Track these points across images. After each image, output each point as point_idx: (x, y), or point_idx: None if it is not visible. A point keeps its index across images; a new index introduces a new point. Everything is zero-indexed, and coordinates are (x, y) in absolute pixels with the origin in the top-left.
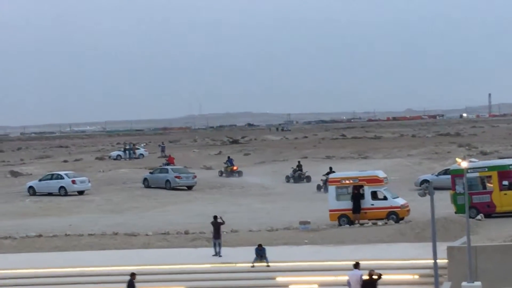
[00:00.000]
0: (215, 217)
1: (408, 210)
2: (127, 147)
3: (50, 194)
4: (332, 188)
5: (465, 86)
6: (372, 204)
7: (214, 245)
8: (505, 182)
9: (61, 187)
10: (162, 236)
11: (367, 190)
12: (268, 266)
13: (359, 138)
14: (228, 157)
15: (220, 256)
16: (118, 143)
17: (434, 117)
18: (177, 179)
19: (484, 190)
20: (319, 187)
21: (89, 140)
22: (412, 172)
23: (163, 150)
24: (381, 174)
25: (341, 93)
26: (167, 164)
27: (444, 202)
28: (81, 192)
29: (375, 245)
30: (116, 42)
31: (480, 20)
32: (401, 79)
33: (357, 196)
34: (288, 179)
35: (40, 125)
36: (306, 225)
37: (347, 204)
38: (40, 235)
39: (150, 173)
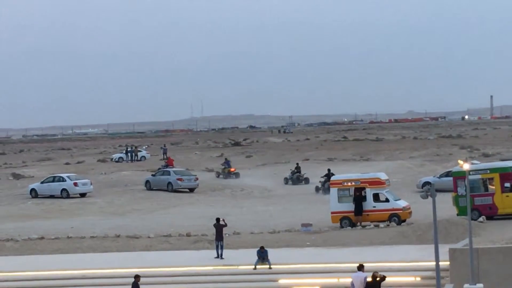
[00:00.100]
0: (218, 220)
1: (410, 212)
2: (129, 149)
3: (52, 196)
4: (334, 190)
5: (467, 88)
6: (374, 206)
7: (217, 247)
8: (507, 184)
9: (63, 189)
10: (164, 238)
11: (369, 192)
12: (270, 268)
13: (361, 140)
14: (226, 158)
15: (222, 258)
16: (120, 146)
17: (436, 119)
18: (179, 182)
19: (486, 192)
20: (317, 189)
21: (91, 142)
22: (414, 174)
23: (165, 153)
24: (383, 176)
25: (343, 95)
26: (166, 166)
27: (446, 204)
28: (83, 195)
29: (377, 247)
30: (118, 43)
31: (482, 22)
32: (402, 81)
33: (359, 198)
34: (286, 181)
35: (42, 127)
36: (308, 227)
37: (349, 206)
38: (42, 238)
39: (152, 175)
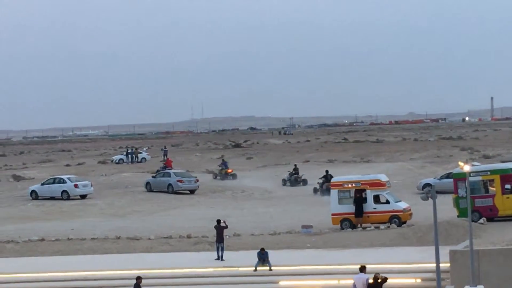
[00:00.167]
0: (219, 221)
1: (411, 214)
2: (130, 151)
3: (52, 198)
4: (334, 192)
5: (467, 90)
6: (375, 208)
7: (217, 249)
8: (508, 186)
9: (64, 191)
10: (165, 240)
11: (370, 194)
12: (270, 270)
13: (361, 141)
14: (223, 159)
15: (222, 260)
16: (120, 147)
17: (436, 120)
18: (179, 183)
19: (487, 194)
20: (315, 190)
21: (91, 144)
22: (415, 176)
23: (165, 154)
24: (383, 178)
25: (343, 97)
26: (165, 167)
27: (446, 206)
28: (83, 196)
29: (378, 249)
30: (118, 45)
31: (482, 23)
32: (403, 83)
33: (359, 200)
34: (284, 182)
35: (42, 129)
36: (309, 229)
37: (349, 208)
38: (43, 239)
39: (153, 177)
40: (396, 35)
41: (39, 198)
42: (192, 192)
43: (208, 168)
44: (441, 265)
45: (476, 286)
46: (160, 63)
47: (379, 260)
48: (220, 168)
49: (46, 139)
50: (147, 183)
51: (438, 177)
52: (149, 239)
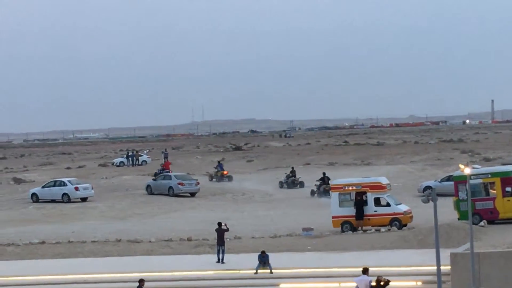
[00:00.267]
0: (220, 224)
1: (411, 217)
2: (130, 154)
3: (53, 201)
4: (335, 195)
5: (468, 93)
6: (375, 211)
7: (218, 252)
8: (508, 189)
9: (64, 194)
10: (165, 243)
11: (370, 197)
12: (271, 273)
13: (362, 144)
14: (218, 161)
15: (223, 263)
16: (121, 150)
17: (437, 123)
18: (180, 186)
19: (487, 197)
20: (312, 193)
21: (92, 147)
22: (415, 179)
23: (166, 157)
24: (384, 180)
25: (344, 100)
26: (163, 170)
27: (447, 209)
28: (84, 199)
29: (378, 252)
30: (118, 48)
31: (482, 23)
32: (403, 86)
33: (360, 202)
34: (281, 184)
35: (43, 132)
36: (309, 231)
37: (350, 210)
38: (43, 242)
39: (153, 179)
40: (396, 35)
41: (40, 201)
42: (192, 195)
43: (208, 171)
44: (441, 267)
45: None
46: (161, 66)
47: (379, 263)
48: (216, 170)
49: (47, 142)
50: (148, 186)
51: (439, 180)
52: (150, 242)
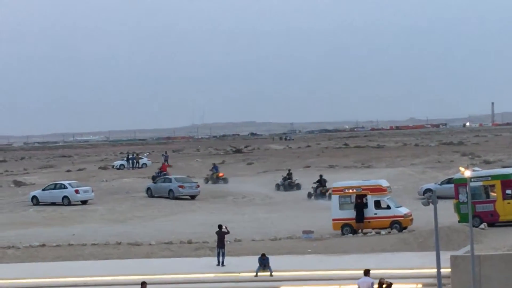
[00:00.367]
0: (220, 227)
1: (411, 219)
2: (130, 156)
3: (53, 203)
4: (335, 197)
5: (468, 95)
6: (376, 213)
7: (218, 255)
8: (509, 191)
9: (65, 196)
10: (166, 245)
11: (370, 199)
12: (271, 275)
13: (362, 147)
14: (214, 164)
15: (223, 265)
16: (121, 153)
17: (437, 126)
18: (180, 189)
19: (488, 199)
20: (309, 195)
21: (92, 149)
22: (415, 181)
23: (166, 160)
24: (384, 183)
25: (344, 102)
26: (160, 172)
27: (447, 211)
28: (84, 202)
29: (379, 254)
30: (118, 48)
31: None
32: (404, 86)
33: (360, 205)
34: (278, 187)
35: (43, 134)
36: (309, 234)
37: (350, 213)
38: (44, 245)
39: (153, 182)
40: (396, 35)
41: (40, 203)
42: (193, 197)
43: (209, 173)
44: (442, 270)
45: None
46: (161, 69)
47: (380, 266)
48: (211, 172)
49: (47, 144)
50: (148, 189)
51: (439, 183)
52: (150, 244)
